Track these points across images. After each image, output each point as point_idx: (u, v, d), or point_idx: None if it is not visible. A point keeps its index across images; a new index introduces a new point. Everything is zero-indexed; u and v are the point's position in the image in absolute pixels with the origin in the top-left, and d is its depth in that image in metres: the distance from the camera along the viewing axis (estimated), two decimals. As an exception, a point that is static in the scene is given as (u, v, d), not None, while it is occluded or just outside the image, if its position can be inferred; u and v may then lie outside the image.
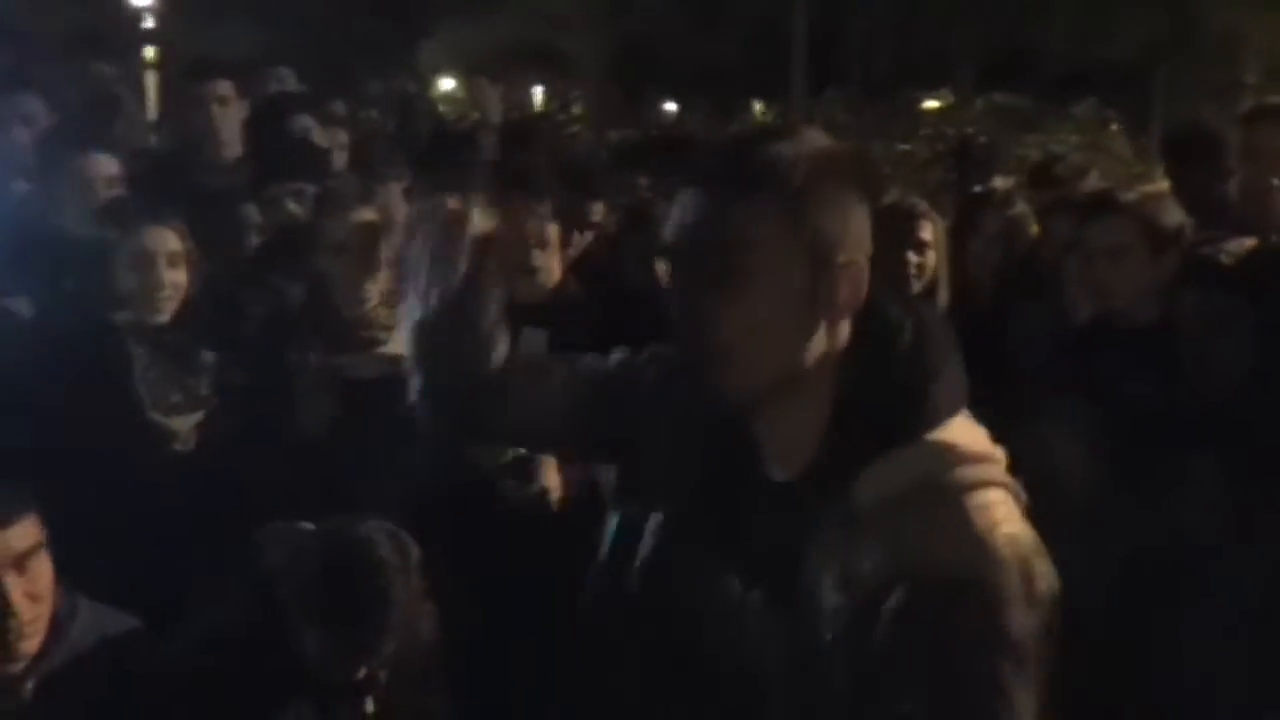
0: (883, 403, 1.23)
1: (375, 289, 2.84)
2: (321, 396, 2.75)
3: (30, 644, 1.82)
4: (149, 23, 12.50)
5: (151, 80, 10.01)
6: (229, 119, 3.88)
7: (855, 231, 1.24)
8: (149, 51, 11.39)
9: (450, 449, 2.64)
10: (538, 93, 14.83)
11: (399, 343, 2.86)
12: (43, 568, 1.84)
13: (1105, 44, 17.59)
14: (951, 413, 1.25)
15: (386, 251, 2.84)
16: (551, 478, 2.68)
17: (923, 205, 3.41)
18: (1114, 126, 11.51)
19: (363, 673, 2.09)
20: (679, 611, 1.28)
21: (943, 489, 1.20)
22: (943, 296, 3.25)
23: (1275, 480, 2.48)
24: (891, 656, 1.16)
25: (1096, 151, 9.08)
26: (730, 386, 1.24)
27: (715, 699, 1.26)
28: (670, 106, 17.32)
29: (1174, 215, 2.77)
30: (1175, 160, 3.70)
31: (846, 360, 1.25)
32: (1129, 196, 2.93)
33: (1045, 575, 1.20)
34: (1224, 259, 2.78)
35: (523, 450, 2.64)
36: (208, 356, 2.74)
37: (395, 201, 3.31)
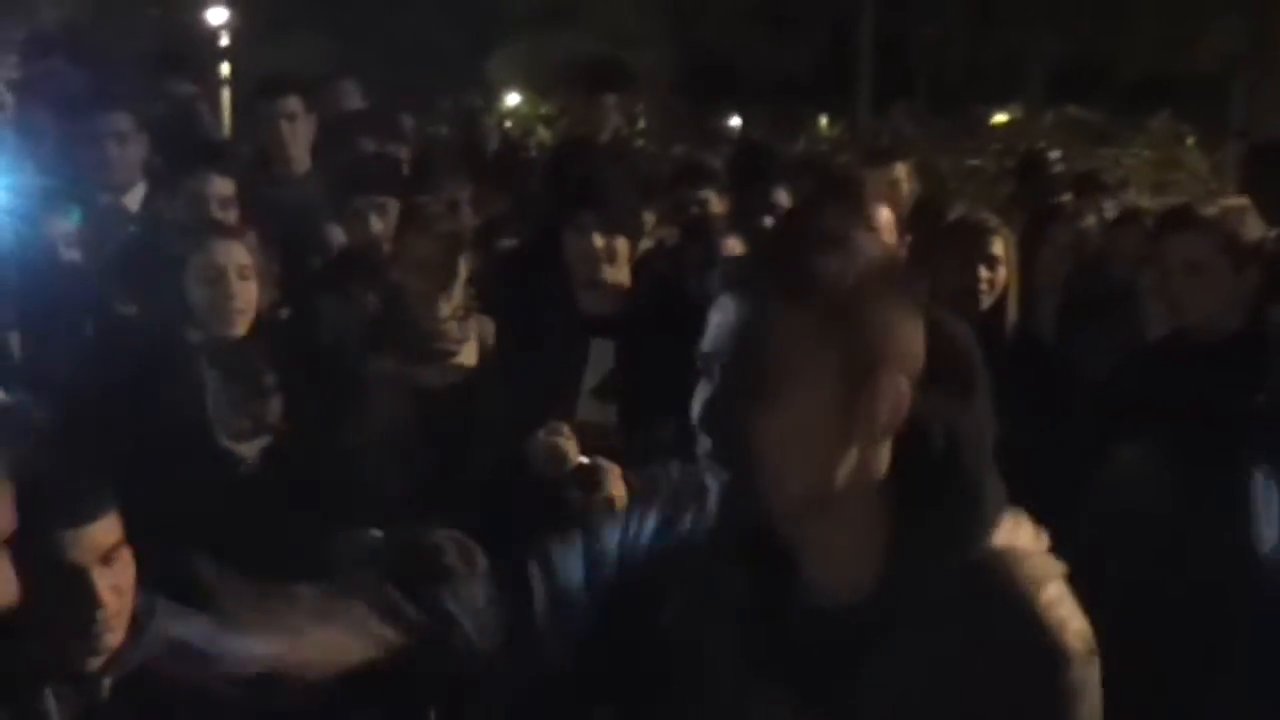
0: (929, 521, 1.19)
1: (450, 302, 2.89)
2: (396, 405, 2.79)
3: (114, 638, 1.85)
4: (225, 40, 12.78)
5: (225, 97, 10.23)
6: (298, 134, 3.96)
7: (900, 347, 1.19)
8: (224, 69, 11.66)
9: (515, 456, 2.67)
10: (607, 108, 14.88)
11: (470, 353, 2.94)
12: (126, 563, 1.88)
13: (1183, 56, 17.29)
14: (1001, 515, 1.22)
15: (460, 264, 2.90)
16: (617, 486, 2.69)
17: (994, 220, 3.38)
18: (1189, 141, 11.30)
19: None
20: None
21: (1012, 596, 1.17)
22: (1012, 311, 3.23)
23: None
24: None
25: (1171, 166, 8.93)
26: (763, 501, 1.19)
27: None
28: (735, 121, 17.32)
29: (1256, 229, 2.72)
30: (1257, 172, 3.64)
31: (892, 482, 1.20)
32: (1208, 210, 2.88)
33: (1098, 661, 1.19)
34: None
35: (586, 460, 2.66)
36: (275, 378, 2.75)
37: (465, 216, 3.35)
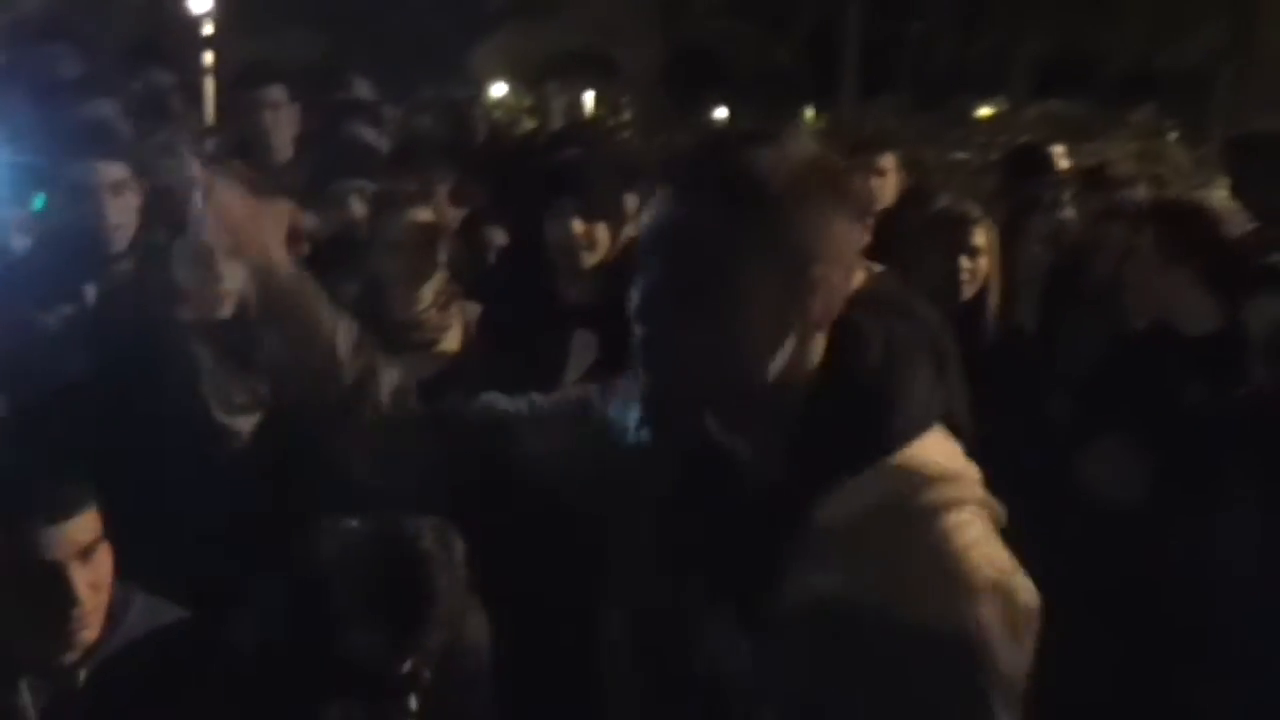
0: (847, 421, 1.18)
1: (430, 290, 2.86)
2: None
3: (90, 633, 1.85)
4: (208, 29, 12.71)
5: (209, 86, 10.17)
6: (281, 124, 3.94)
7: (835, 245, 1.19)
8: (208, 57, 11.59)
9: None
10: (588, 99, 14.88)
11: (451, 342, 2.91)
12: (104, 559, 1.87)
13: (1168, 51, 17.34)
14: (921, 430, 1.20)
15: (439, 253, 2.87)
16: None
17: (976, 210, 3.39)
18: (1172, 135, 11.34)
19: (408, 668, 2.11)
20: (665, 629, 1.26)
21: (910, 512, 1.16)
22: (993, 301, 3.23)
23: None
24: (860, 691, 1.13)
25: (1154, 160, 8.96)
26: (694, 392, 1.21)
27: (686, 713, 1.24)
28: (721, 113, 17.32)
29: (1234, 223, 2.73)
30: (1239, 166, 3.65)
31: (815, 377, 1.21)
32: (1189, 203, 2.89)
33: (1024, 591, 1.17)
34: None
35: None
36: (267, 352, 2.77)
37: (443, 205, 3.33)
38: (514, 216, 3.79)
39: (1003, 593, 1.15)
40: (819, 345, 1.22)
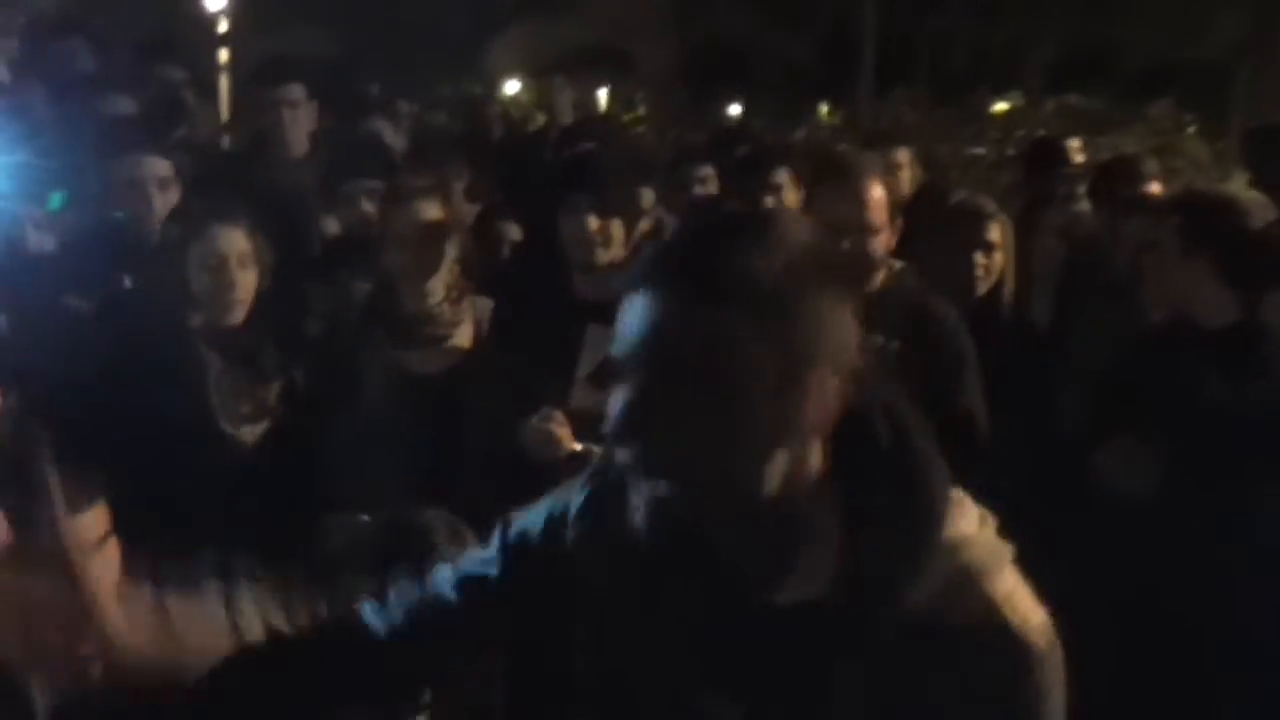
0: (892, 511, 1.11)
1: (439, 285, 2.86)
2: (389, 389, 2.78)
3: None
4: (223, 27, 12.75)
5: (225, 83, 10.21)
6: (298, 121, 3.95)
7: (834, 343, 1.09)
8: (223, 55, 11.63)
9: (509, 442, 2.66)
10: (603, 95, 14.87)
11: (464, 337, 2.92)
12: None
13: (1186, 44, 17.23)
14: (950, 501, 1.15)
15: (452, 248, 2.87)
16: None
17: (990, 205, 3.38)
18: (1190, 129, 11.27)
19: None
20: None
21: (973, 591, 1.11)
22: (1008, 296, 3.22)
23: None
24: None
25: (1171, 154, 8.91)
26: (692, 508, 1.12)
27: None
28: (736, 109, 17.29)
29: (1258, 215, 2.71)
30: (1259, 157, 3.62)
31: (819, 484, 1.13)
32: (1208, 194, 2.87)
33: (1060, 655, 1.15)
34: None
35: (580, 446, 2.65)
36: (276, 362, 2.76)
37: (457, 201, 3.33)
38: (528, 212, 3.79)
39: (1054, 656, 1.14)
40: (818, 449, 1.13)
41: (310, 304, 3.04)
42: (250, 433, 2.71)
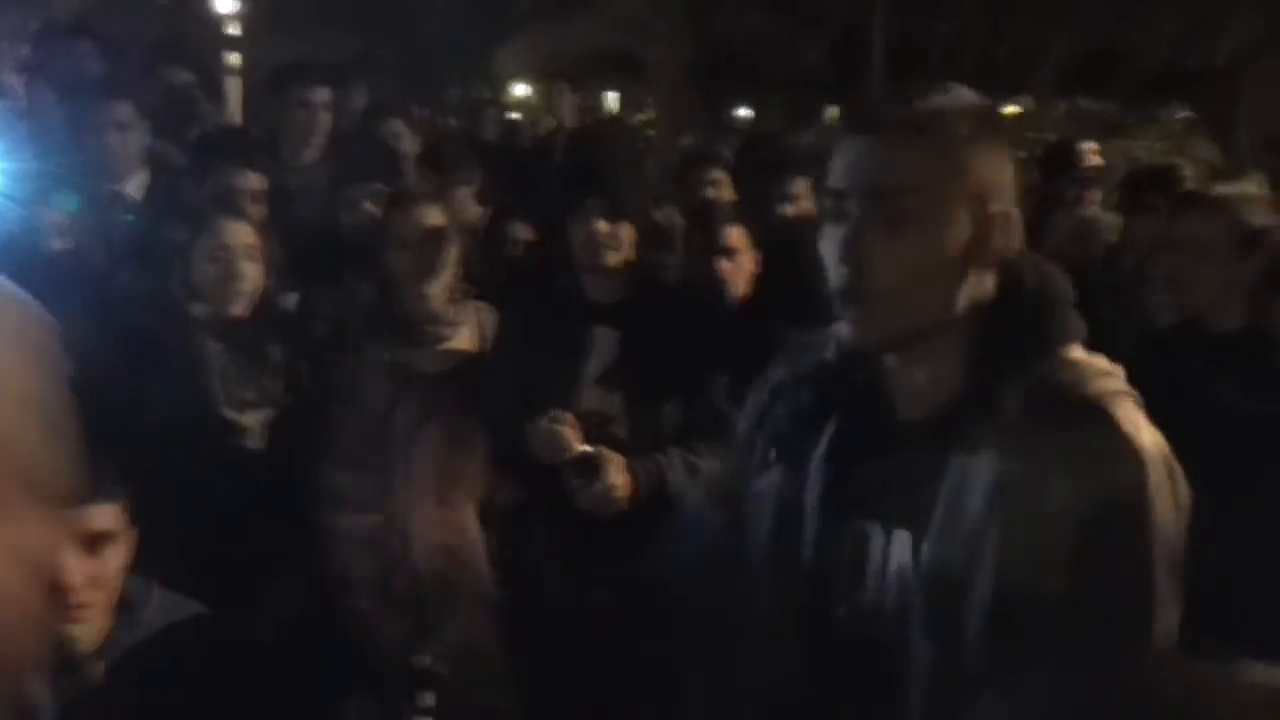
0: (1017, 331, 1.30)
1: (439, 287, 2.88)
2: (389, 390, 2.79)
3: (85, 629, 1.85)
4: (232, 29, 12.79)
5: (236, 86, 10.23)
6: (314, 125, 3.96)
7: (1007, 183, 1.31)
8: (232, 58, 11.65)
9: (515, 443, 2.66)
10: (614, 98, 14.88)
11: (465, 339, 2.93)
12: (114, 556, 1.87)
13: (1196, 49, 17.18)
14: (1079, 334, 1.34)
15: (453, 251, 2.88)
16: (618, 475, 2.68)
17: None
18: (1201, 132, 11.24)
19: (424, 663, 2.11)
20: (832, 575, 1.34)
21: (1085, 398, 1.28)
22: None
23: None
24: (1050, 556, 1.22)
25: (1182, 157, 8.88)
26: (885, 330, 1.30)
27: (860, 662, 1.32)
28: (746, 112, 17.27)
29: (1261, 216, 2.69)
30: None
31: (989, 307, 1.32)
32: (1218, 192, 2.86)
33: (1182, 478, 1.29)
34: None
35: (588, 448, 2.65)
36: (279, 353, 2.80)
37: (465, 204, 3.33)
38: (538, 215, 3.79)
39: (1169, 467, 1.28)
40: (991, 280, 1.32)
41: (315, 304, 3.05)
42: (254, 418, 2.74)
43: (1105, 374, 1.32)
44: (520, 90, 17.50)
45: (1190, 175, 3.94)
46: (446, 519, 2.69)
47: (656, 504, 2.56)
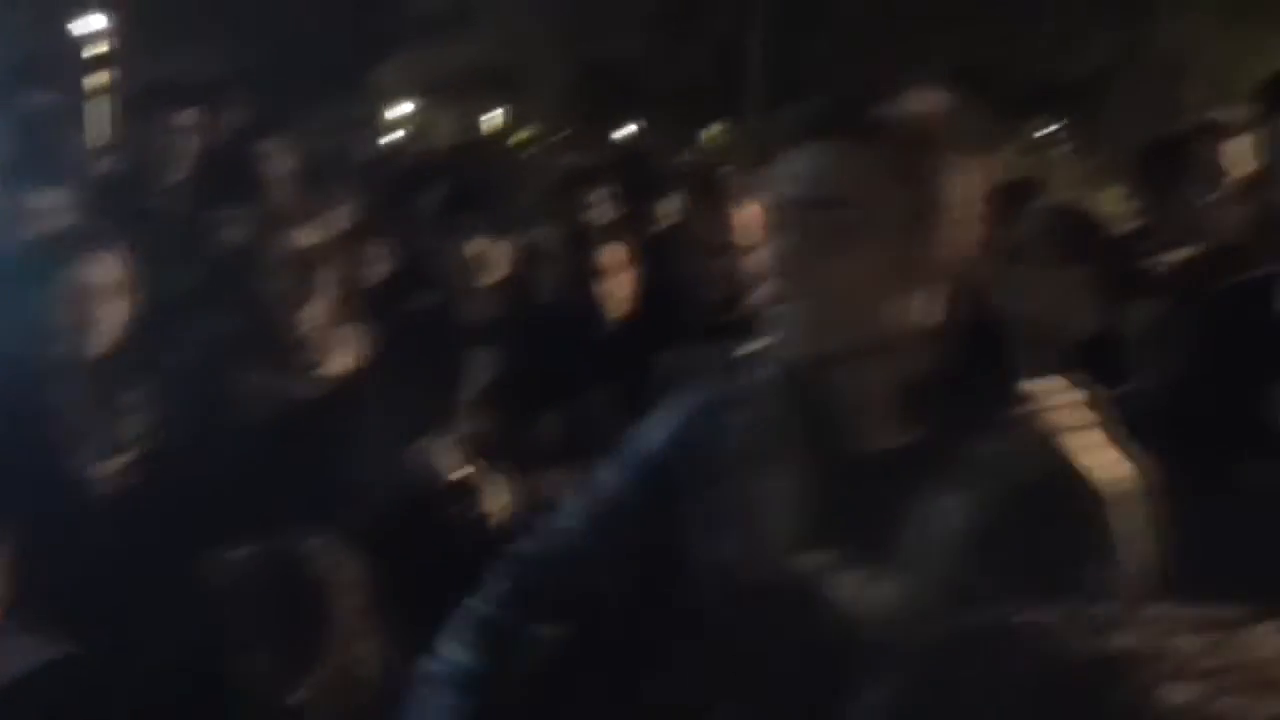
0: (972, 356, 1.24)
1: (316, 310, 2.82)
2: (262, 417, 2.73)
3: None
4: (99, 48, 12.44)
5: (104, 106, 9.96)
6: (182, 145, 3.87)
7: (962, 192, 1.23)
8: (100, 78, 11.34)
9: (393, 469, 2.63)
10: (498, 116, 14.85)
11: (344, 363, 2.89)
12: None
13: (1062, 64, 17.83)
14: (1037, 366, 1.29)
15: (329, 273, 2.84)
16: (497, 498, 2.68)
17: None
18: (1065, 146, 11.67)
19: (303, 696, 2.07)
20: (781, 608, 1.28)
21: (1043, 429, 1.23)
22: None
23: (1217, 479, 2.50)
24: (1013, 591, 1.19)
25: (1047, 169, 9.21)
26: (820, 344, 1.24)
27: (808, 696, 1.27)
28: (628, 129, 17.40)
29: (1118, 227, 2.81)
30: (1142, 176, 3.73)
31: (943, 328, 1.25)
32: (1059, 203, 2.97)
33: (1140, 479, 1.24)
34: (1161, 270, 2.82)
35: (466, 471, 2.64)
36: (138, 396, 2.69)
37: (341, 224, 3.29)
38: (412, 235, 3.76)
39: (1145, 479, 1.23)
40: (943, 296, 1.25)
41: (184, 333, 2.97)
42: (109, 466, 2.64)
43: (1076, 405, 1.26)
44: (400, 109, 17.34)
45: (1054, 187, 4.08)
46: (323, 544, 2.65)
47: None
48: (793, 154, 1.25)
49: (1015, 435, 1.22)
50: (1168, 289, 2.76)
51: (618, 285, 3.22)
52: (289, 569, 2.04)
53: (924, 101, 1.24)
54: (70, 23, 12.51)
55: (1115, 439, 1.26)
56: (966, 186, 1.23)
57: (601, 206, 4.06)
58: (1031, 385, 1.25)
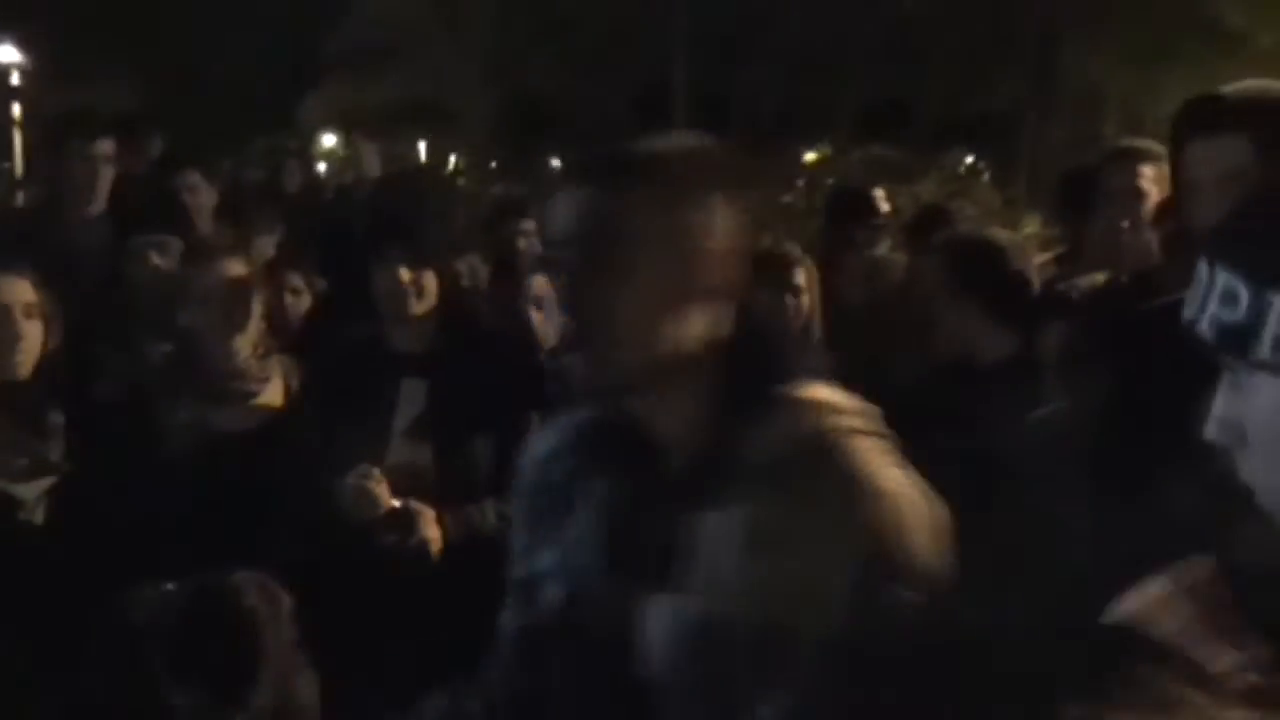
0: (753, 370, 1.34)
1: (245, 341, 2.80)
2: (194, 450, 2.69)
3: None
4: (14, 80, 12.20)
5: (19, 137, 9.76)
6: (99, 177, 3.81)
7: (723, 223, 1.33)
8: (13, 109, 11.12)
9: (324, 501, 2.60)
10: (422, 149, 14.81)
11: (273, 395, 2.86)
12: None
13: (976, 98, 18.27)
14: (819, 373, 1.38)
15: (256, 304, 2.81)
16: (430, 528, 2.66)
17: (796, 252, 3.51)
18: (983, 177, 11.94)
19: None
20: (616, 645, 1.33)
21: (821, 436, 1.31)
22: (815, 335, 3.34)
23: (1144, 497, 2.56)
24: (805, 598, 1.24)
25: (965, 200, 9.40)
26: (612, 372, 1.33)
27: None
28: (555, 162, 17.45)
29: (1021, 255, 2.89)
30: (1062, 204, 3.84)
31: (727, 345, 1.35)
32: (963, 232, 3.04)
33: (940, 511, 1.33)
34: (1076, 294, 2.89)
35: (398, 503, 2.62)
36: (59, 419, 2.65)
37: (266, 255, 3.26)
38: (340, 265, 3.74)
39: (921, 499, 1.31)
40: (727, 317, 1.35)
41: (104, 365, 2.92)
42: (29, 489, 2.58)
43: (843, 411, 1.34)
44: (326, 141, 17.22)
45: (969, 216, 4.18)
46: (252, 577, 2.61)
47: (469, 556, 2.55)
48: (565, 197, 1.36)
49: (786, 441, 1.30)
50: (1083, 313, 2.83)
51: (550, 315, 3.23)
52: (219, 602, 2.01)
53: (682, 143, 1.39)
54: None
55: (883, 442, 1.35)
56: (725, 218, 1.34)
57: (531, 236, 4.08)
58: (803, 393, 1.34)
